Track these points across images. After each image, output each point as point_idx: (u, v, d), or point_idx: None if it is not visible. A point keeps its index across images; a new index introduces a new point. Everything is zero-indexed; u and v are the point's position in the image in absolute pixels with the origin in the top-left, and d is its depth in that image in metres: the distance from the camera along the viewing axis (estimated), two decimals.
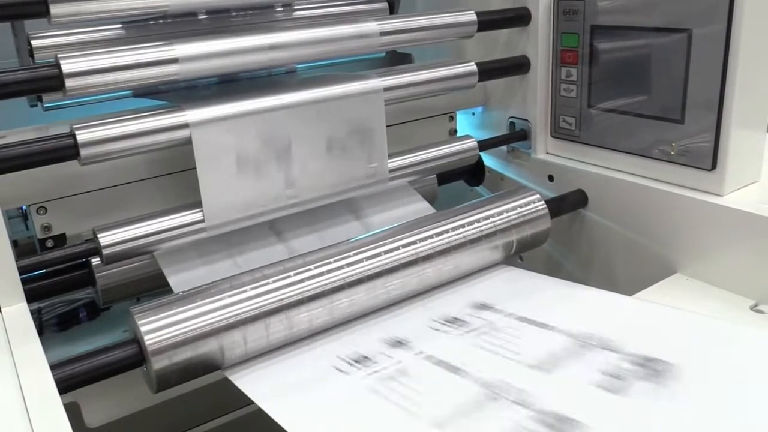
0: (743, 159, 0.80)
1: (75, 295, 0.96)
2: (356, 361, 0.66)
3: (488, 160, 1.05)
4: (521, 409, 0.56)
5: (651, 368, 0.60)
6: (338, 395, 0.61)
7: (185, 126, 0.69)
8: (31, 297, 0.68)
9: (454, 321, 0.72)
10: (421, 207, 0.89)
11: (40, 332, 0.88)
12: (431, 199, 0.93)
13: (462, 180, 1.07)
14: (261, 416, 0.59)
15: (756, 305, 0.75)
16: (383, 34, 0.81)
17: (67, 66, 0.64)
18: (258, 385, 0.64)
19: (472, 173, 1.06)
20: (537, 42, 0.93)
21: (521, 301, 0.75)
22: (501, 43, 0.98)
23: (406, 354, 0.67)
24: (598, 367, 0.61)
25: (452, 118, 1.02)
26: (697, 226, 0.80)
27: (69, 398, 0.81)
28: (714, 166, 0.79)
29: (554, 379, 0.60)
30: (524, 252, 0.86)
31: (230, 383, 0.64)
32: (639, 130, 0.85)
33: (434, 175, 0.97)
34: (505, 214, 0.82)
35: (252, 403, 0.60)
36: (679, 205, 0.82)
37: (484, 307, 0.75)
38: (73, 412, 0.82)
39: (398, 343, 0.69)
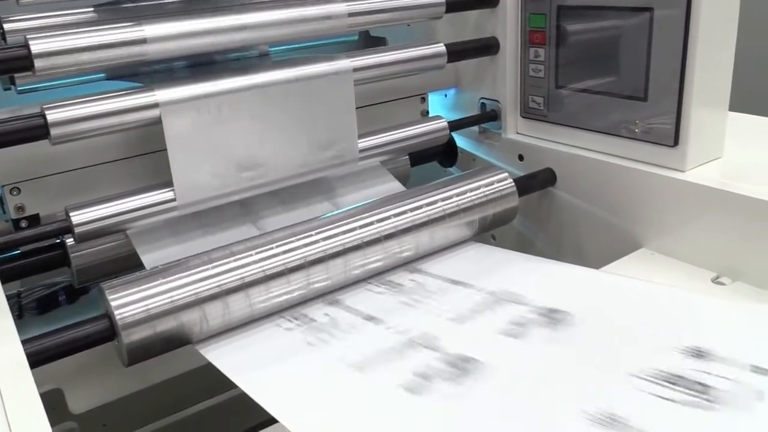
0: (705, 136, 0.81)
1: (54, 279, 0.97)
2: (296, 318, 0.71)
3: (461, 141, 1.07)
4: (431, 353, 0.62)
5: (551, 317, 0.67)
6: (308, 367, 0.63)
7: (155, 106, 0.70)
8: (5, 277, 0.70)
9: (389, 283, 0.77)
10: (394, 187, 0.90)
11: (20, 316, 0.89)
12: (404, 180, 0.95)
13: (435, 161, 1.08)
14: (244, 400, 0.60)
15: (717, 277, 0.77)
16: (351, 15, 0.82)
17: (36, 46, 0.65)
18: (229, 357, 0.66)
19: (445, 154, 1.07)
20: (506, 23, 0.95)
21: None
22: (471, 25, 0.99)
23: (337, 311, 0.71)
24: (504, 317, 0.68)
25: (424, 100, 1.03)
26: (661, 202, 0.82)
27: (52, 384, 0.82)
28: (676, 142, 0.80)
29: (466, 328, 0.67)
30: (493, 229, 0.88)
31: (213, 368, 0.65)
32: (605, 108, 0.87)
33: (407, 157, 0.98)
34: (473, 192, 0.84)
35: (235, 387, 0.61)
36: (643, 182, 0.84)
37: (414, 270, 0.80)
38: (56, 398, 0.83)
39: (335, 301, 0.73)
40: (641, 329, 0.64)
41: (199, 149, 0.73)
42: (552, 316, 0.67)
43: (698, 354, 0.58)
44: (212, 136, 0.74)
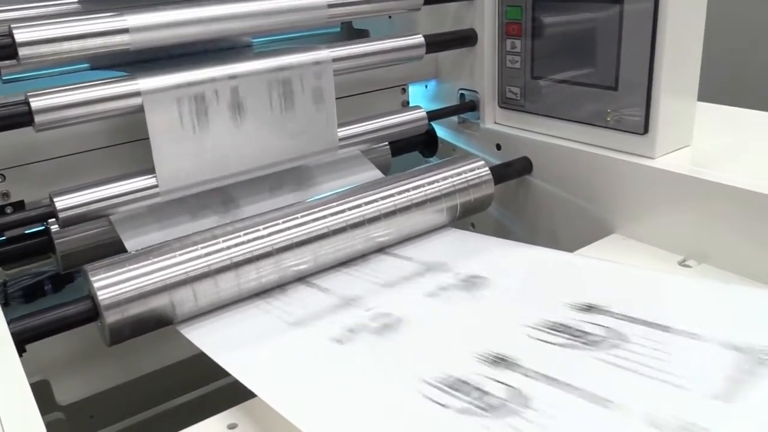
0: (674, 124, 0.84)
1: (40, 269, 0.98)
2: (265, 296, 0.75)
3: (441, 131, 1.09)
4: (363, 312, 0.70)
5: (470, 282, 0.74)
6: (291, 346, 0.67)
7: (137, 94, 0.72)
8: None
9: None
10: (374, 175, 0.92)
11: (6, 304, 0.90)
12: (385, 170, 0.97)
13: (416, 151, 1.10)
14: (231, 390, 0.62)
15: (684, 260, 0.80)
16: (331, 6, 0.84)
17: (20, 35, 0.66)
18: (211, 337, 0.68)
19: (426, 144, 1.09)
20: (483, 15, 0.97)
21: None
22: (450, 18, 1.02)
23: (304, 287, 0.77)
24: (433, 283, 0.75)
25: (404, 91, 1.06)
26: (632, 188, 0.85)
27: (39, 376, 0.84)
28: (646, 130, 0.83)
29: (394, 291, 0.74)
30: (470, 215, 0.90)
31: (199, 359, 0.66)
32: (579, 98, 0.89)
33: (388, 146, 1.00)
34: (450, 180, 0.86)
35: (222, 377, 0.64)
36: (615, 169, 0.86)
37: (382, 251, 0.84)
38: (43, 389, 0.85)
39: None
40: (544, 291, 0.72)
41: (181, 137, 0.75)
42: (470, 281, 0.75)
43: (587, 308, 0.66)
44: (193, 124, 0.76)
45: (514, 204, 1.00)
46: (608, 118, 0.86)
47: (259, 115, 0.80)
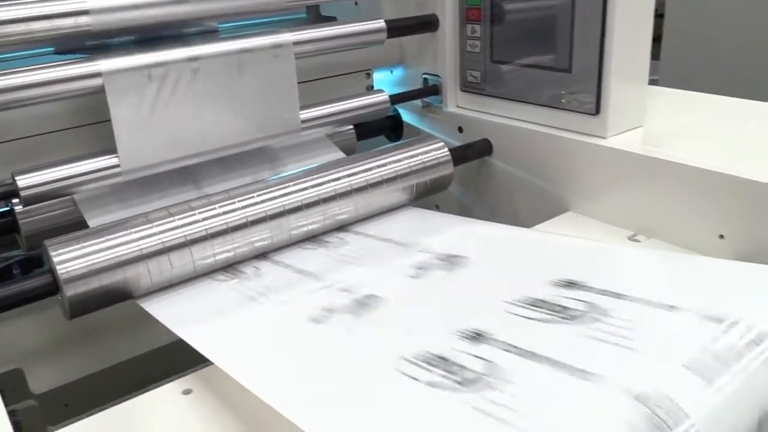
0: (625, 106, 0.86)
1: (8, 253, 0.99)
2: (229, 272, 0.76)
3: (406, 115, 1.11)
4: (339, 291, 0.70)
5: (450, 261, 0.74)
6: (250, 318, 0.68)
7: (97, 75, 0.74)
8: None
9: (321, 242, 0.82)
10: (338, 157, 0.94)
11: None
12: (350, 153, 0.99)
13: (382, 135, 1.12)
14: (202, 378, 0.63)
15: (634, 235, 0.82)
16: None
17: None
18: (171, 311, 0.69)
19: (391, 129, 1.11)
20: (444, 0, 0.99)
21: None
22: (413, 3, 1.04)
23: (269, 265, 0.77)
24: (410, 263, 0.75)
25: (369, 75, 1.08)
26: (585, 167, 0.87)
27: (13, 365, 0.85)
28: (597, 111, 0.85)
29: (370, 272, 0.74)
30: (429, 195, 0.92)
31: (175, 347, 0.67)
32: (536, 81, 0.92)
33: (353, 130, 1.02)
34: (409, 160, 0.88)
35: (200, 364, 0.65)
36: (570, 149, 0.88)
37: (346, 230, 0.85)
38: (17, 378, 0.86)
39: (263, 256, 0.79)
40: (523, 269, 0.72)
41: (142, 118, 0.77)
42: (449, 260, 0.75)
43: (567, 284, 0.65)
44: (155, 105, 0.77)
45: (475, 185, 1.03)
46: (563, 100, 0.89)
47: (221, 97, 0.81)
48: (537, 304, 0.62)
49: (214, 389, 0.59)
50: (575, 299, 0.62)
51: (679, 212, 0.79)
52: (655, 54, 2.40)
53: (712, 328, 0.51)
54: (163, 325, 0.67)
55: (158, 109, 0.78)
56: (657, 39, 2.40)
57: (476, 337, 0.57)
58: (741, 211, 0.74)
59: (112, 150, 0.77)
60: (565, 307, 0.61)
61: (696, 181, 0.77)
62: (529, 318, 0.60)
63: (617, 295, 0.61)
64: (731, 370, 0.47)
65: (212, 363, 0.59)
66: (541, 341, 0.55)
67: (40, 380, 0.88)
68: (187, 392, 0.59)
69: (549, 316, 0.60)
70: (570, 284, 0.65)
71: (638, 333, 0.54)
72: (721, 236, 0.76)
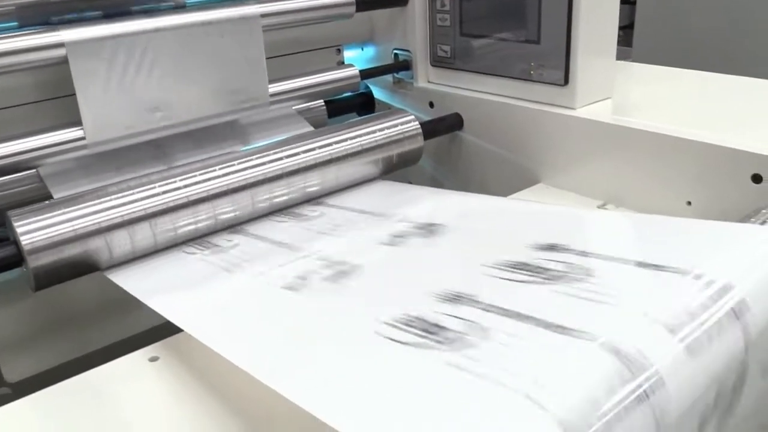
0: (593, 76, 0.87)
1: None
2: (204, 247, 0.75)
3: (377, 92, 1.11)
4: (315, 261, 0.68)
5: (427, 229, 0.73)
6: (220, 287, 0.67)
7: (60, 45, 0.72)
8: None
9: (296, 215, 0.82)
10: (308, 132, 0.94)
11: None
12: None
13: (354, 112, 1.12)
14: (169, 346, 0.62)
15: (603, 204, 0.83)
16: None
17: None
18: (139, 282, 0.68)
19: (363, 105, 1.11)
20: None
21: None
22: None
23: (241, 237, 0.77)
24: (388, 232, 0.74)
25: (339, 51, 1.07)
26: (555, 138, 0.88)
27: None
28: (566, 81, 0.86)
29: (347, 241, 0.73)
30: (399, 168, 0.92)
31: (151, 335, 0.66)
32: (505, 53, 0.92)
33: (324, 107, 1.02)
34: (379, 133, 0.88)
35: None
36: (539, 120, 0.89)
37: (319, 203, 0.84)
38: None
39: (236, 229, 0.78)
40: (502, 234, 0.71)
41: (107, 89, 0.76)
42: (428, 228, 0.74)
43: (548, 247, 0.64)
44: (120, 77, 0.76)
45: (447, 159, 1.03)
46: (532, 72, 0.89)
47: (187, 69, 0.81)
48: (518, 266, 0.61)
49: (182, 357, 0.59)
50: (555, 261, 0.61)
51: (648, 180, 0.79)
52: (628, 41, 2.43)
53: (679, 282, 0.52)
54: (139, 314, 0.66)
55: (123, 82, 0.77)
56: (629, 26, 2.42)
57: (456, 299, 0.56)
58: (707, 177, 0.75)
59: (77, 122, 0.75)
60: (545, 269, 0.59)
61: (663, 148, 0.77)
62: (509, 280, 0.59)
63: (595, 255, 0.61)
64: (696, 321, 0.47)
65: (179, 332, 0.59)
66: (522, 300, 0.54)
67: (15, 369, 0.87)
68: (153, 359, 0.59)
69: (530, 278, 0.58)
70: (550, 247, 0.64)
71: (613, 289, 0.54)
72: (689, 203, 0.77)
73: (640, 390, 0.42)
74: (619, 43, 0.90)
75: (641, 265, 0.55)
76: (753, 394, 0.57)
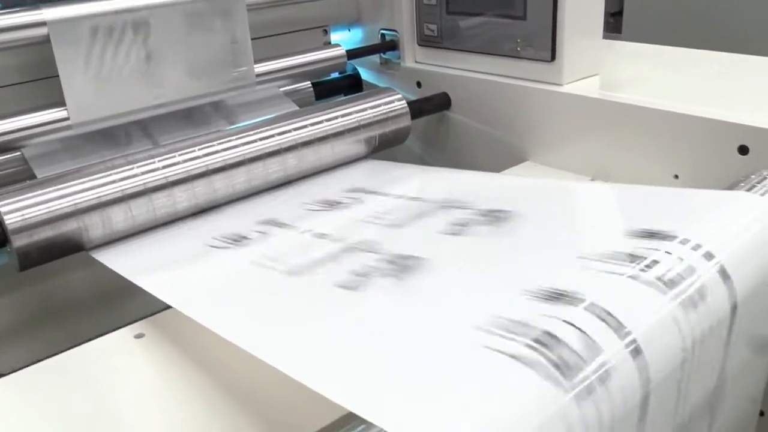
0: (580, 52, 0.87)
1: None
2: (233, 240, 0.69)
3: (365, 73, 1.10)
4: (371, 255, 0.60)
5: (493, 216, 0.65)
6: (213, 267, 0.66)
7: (42, 24, 0.72)
8: None
9: (326, 202, 0.77)
10: None
11: None
12: None
13: (341, 94, 1.11)
14: (155, 323, 0.61)
15: (592, 179, 0.83)
16: None
17: None
18: (127, 261, 0.68)
19: (351, 87, 1.10)
20: None
21: (389, 182, 0.81)
22: None
23: (280, 230, 0.71)
24: (447, 220, 0.66)
25: (326, 32, 1.06)
26: (543, 115, 0.87)
27: None
28: (553, 57, 0.85)
29: (405, 232, 0.65)
30: (387, 148, 0.91)
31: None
32: (490, 30, 0.92)
33: (311, 88, 1.01)
34: (367, 111, 0.87)
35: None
36: (527, 97, 0.89)
37: (355, 189, 0.80)
38: None
39: (272, 222, 0.72)
40: (582, 219, 0.65)
41: (90, 69, 0.75)
42: (492, 215, 0.65)
43: (648, 235, 0.54)
44: (103, 56, 0.75)
45: (435, 140, 1.02)
46: (519, 49, 0.89)
47: (172, 49, 0.80)
48: (618, 257, 0.51)
49: (167, 334, 0.59)
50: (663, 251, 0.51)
51: (635, 155, 0.79)
52: (617, 27, 2.43)
53: (666, 246, 0.51)
54: (131, 304, 0.65)
55: (107, 61, 0.76)
56: (619, 13, 2.42)
57: (557, 296, 0.46)
58: (694, 150, 0.75)
59: (60, 103, 0.75)
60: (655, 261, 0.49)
61: (650, 122, 0.77)
62: (612, 273, 0.48)
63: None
64: (684, 283, 0.47)
65: (164, 310, 0.59)
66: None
67: (6, 360, 0.86)
68: (139, 336, 0.58)
69: (636, 271, 0.48)
70: (650, 234, 0.54)
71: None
72: (676, 176, 0.77)
73: (631, 347, 0.42)
74: (608, 29, 0.90)
75: (627, 231, 0.55)
76: (738, 363, 0.57)
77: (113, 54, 0.76)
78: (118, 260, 0.68)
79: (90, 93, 0.76)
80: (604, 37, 0.91)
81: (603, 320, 0.43)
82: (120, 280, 0.63)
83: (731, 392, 0.59)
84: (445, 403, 0.36)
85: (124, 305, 0.70)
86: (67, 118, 0.75)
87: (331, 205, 0.76)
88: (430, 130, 1.02)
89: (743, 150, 0.70)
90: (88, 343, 0.58)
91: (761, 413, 0.71)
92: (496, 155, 0.94)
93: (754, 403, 0.67)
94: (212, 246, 0.69)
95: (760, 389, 0.66)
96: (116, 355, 0.57)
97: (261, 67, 0.88)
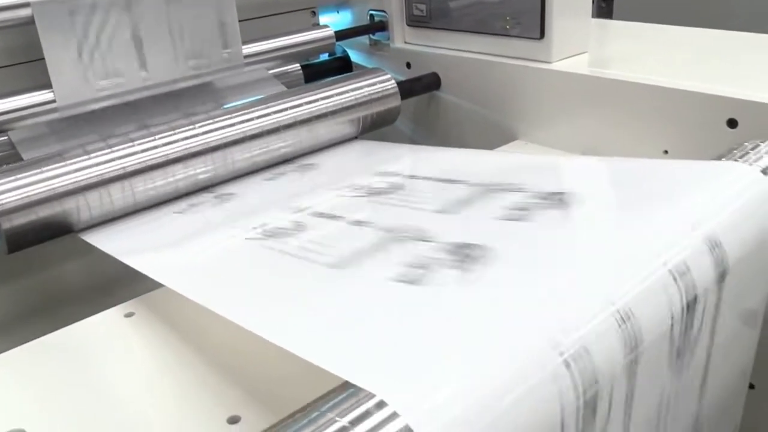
0: (569, 30, 0.86)
1: None
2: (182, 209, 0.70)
3: (354, 55, 1.10)
4: (424, 244, 0.53)
5: (555, 199, 0.59)
6: (218, 249, 0.64)
7: (26, 5, 0.71)
8: None
9: (359, 188, 0.71)
10: None
11: None
12: None
13: (331, 76, 1.11)
14: (145, 302, 0.61)
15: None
16: None
17: None
18: (116, 242, 0.67)
19: (340, 69, 1.10)
20: None
21: (413, 163, 0.79)
22: None
23: (303, 215, 0.65)
24: (502, 204, 0.59)
25: (314, 14, 1.06)
26: (532, 93, 0.87)
27: None
28: (542, 35, 0.85)
29: (459, 218, 0.58)
30: (376, 129, 0.91)
31: None
32: (479, 9, 0.91)
33: (300, 70, 1.01)
34: (356, 91, 0.87)
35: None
36: (516, 76, 0.88)
37: (386, 174, 0.74)
38: None
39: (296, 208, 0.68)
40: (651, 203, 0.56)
41: (76, 50, 0.74)
42: (554, 198, 0.60)
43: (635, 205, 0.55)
44: (88, 37, 0.75)
45: (425, 120, 1.02)
46: (507, 27, 0.88)
47: (159, 30, 0.79)
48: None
49: (157, 312, 0.59)
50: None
51: (624, 131, 0.79)
52: (608, 13, 2.42)
53: (656, 216, 0.52)
54: (123, 295, 0.64)
55: (92, 42, 0.75)
56: None
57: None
58: (683, 125, 0.75)
59: (47, 85, 0.74)
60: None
61: (639, 97, 0.77)
62: None
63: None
64: (672, 252, 0.47)
65: (154, 289, 0.58)
66: None
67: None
68: (129, 315, 0.58)
69: None
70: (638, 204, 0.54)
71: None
72: (666, 152, 0.77)
73: (618, 315, 0.42)
74: (600, 15, 0.90)
75: (618, 202, 0.55)
76: (727, 334, 0.58)
77: (99, 35, 0.76)
78: (108, 241, 0.68)
79: (76, 75, 0.75)
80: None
81: (594, 285, 0.43)
82: (114, 270, 0.63)
83: (721, 364, 0.59)
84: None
85: (116, 296, 0.69)
86: (53, 101, 0.74)
87: (360, 188, 0.72)
88: (420, 111, 1.01)
89: (732, 123, 0.70)
90: (77, 323, 0.58)
91: (751, 386, 0.72)
92: (486, 134, 0.94)
93: (744, 375, 0.67)
94: (203, 227, 0.69)
95: (749, 362, 0.66)
96: (106, 334, 0.57)
97: (249, 49, 0.88)
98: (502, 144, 0.90)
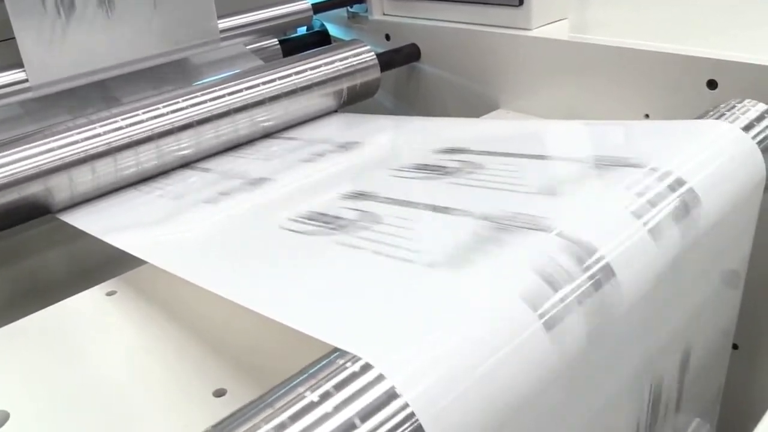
0: None
1: None
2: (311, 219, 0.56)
3: (333, 29, 1.08)
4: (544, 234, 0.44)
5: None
6: (202, 226, 0.63)
7: None
8: None
9: (423, 168, 0.63)
10: None
11: None
12: None
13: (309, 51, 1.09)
14: (126, 281, 0.60)
15: None
16: None
17: None
18: (96, 222, 0.66)
19: (318, 43, 1.08)
20: None
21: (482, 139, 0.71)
22: None
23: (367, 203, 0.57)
24: (625, 185, 0.49)
25: None
26: (513, 61, 0.87)
27: None
28: (521, 2, 0.85)
29: (570, 204, 0.49)
30: (357, 101, 0.90)
31: None
32: None
33: (278, 45, 1.00)
34: (335, 64, 0.86)
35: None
36: (496, 44, 0.88)
37: (452, 150, 0.66)
38: None
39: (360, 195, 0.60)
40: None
41: (47, 28, 0.73)
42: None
43: (618, 163, 0.54)
44: (59, 14, 0.73)
45: (405, 93, 1.01)
46: None
47: (131, 6, 0.78)
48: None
49: (138, 290, 0.58)
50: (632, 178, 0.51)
51: (605, 96, 0.79)
52: None
53: (635, 174, 0.51)
54: (110, 278, 0.64)
55: (64, 19, 0.74)
56: None
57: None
58: (664, 87, 0.74)
59: (17, 64, 0.73)
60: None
61: (619, 62, 0.77)
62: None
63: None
64: (654, 210, 0.47)
65: (135, 268, 0.58)
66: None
67: None
68: (110, 294, 0.58)
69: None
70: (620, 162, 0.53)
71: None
72: (647, 115, 0.77)
73: (602, 273, 0.42)
74: None
75: (599, 162, 0.55)
76: (709, 293, 0.58)
77: (69, 12, 0.74)
78: (87, 221, 0.67)
79: (48, 53, 0.74)
80: None
81: (575, 244, 0.42)
82: (95, 256, 0.62)
83: (704, 323, 0.60)
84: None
85: (100, 280, 0.68)
86: (25, 80, 0.73)
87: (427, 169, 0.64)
88: (401, 83, 1.01)
89: (712, 84, 0.70)
90: (59, 303, 0.57)
91: (734, 347, 0.72)
92: (468, 104, 0.93)
93: (727, 335, 0.68)
94: (184, 205, 0.68)
95: (733, 321, 0.67)
96: (89, 313, 0.56)
97: (225, 23, 0.87)
98: (483, 113, 0.90)
